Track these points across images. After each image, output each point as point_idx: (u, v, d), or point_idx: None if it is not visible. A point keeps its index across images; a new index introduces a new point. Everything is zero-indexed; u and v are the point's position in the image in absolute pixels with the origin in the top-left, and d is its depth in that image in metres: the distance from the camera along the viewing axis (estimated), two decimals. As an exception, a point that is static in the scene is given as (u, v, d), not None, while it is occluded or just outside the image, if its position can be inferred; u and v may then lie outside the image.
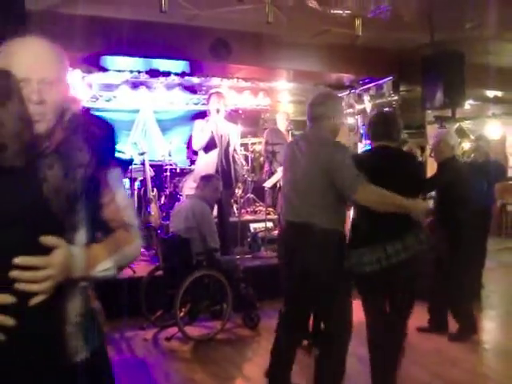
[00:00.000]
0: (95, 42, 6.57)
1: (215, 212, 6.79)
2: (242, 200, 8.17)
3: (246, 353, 4.96)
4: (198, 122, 7.10)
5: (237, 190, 7.96)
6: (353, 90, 9.25)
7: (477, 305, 6.39)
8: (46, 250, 1.43)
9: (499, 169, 7.71)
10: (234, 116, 9.24)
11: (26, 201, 1.45)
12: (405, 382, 3.94)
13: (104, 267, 1.62)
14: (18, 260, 1.38)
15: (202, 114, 8.18)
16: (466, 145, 12.70)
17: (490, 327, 5.96)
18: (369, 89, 8.94)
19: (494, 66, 8.37)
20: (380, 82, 8.71)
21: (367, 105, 8.97)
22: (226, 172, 6.86)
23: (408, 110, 8.49)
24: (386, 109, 8.29)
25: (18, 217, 1.43)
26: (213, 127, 6.82)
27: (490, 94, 10.27)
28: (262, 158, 9.62)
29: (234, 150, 7.23)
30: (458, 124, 11.89)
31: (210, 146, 6.85)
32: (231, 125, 7.33)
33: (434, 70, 7.11)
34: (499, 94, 10.24)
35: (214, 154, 6.85)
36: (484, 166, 7.51)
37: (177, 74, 8.19)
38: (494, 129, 12.49)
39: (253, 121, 10.41)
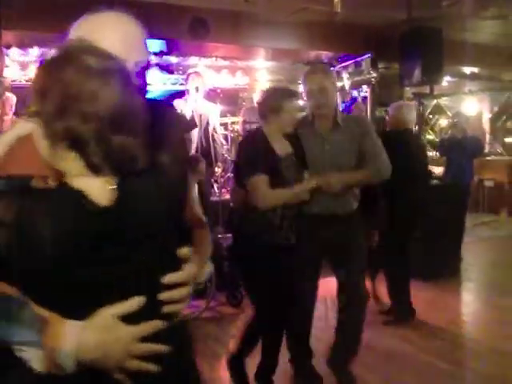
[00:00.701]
0: (72, 22, 6.47)
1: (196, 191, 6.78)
2: (222, 179, 8.16)
3: (231, 330, 4.99)
4: (177, 102, 7.04)
5: (217, 169, 7.95)
6: (331, 68, 9.25)
7: (457, 278, 6.53)
8: (174, 264, 1.33)
9: (477, 145, 7.82)
10: (212, 95, 9.18)
11: (159, 209, 1.33)
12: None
13: (207, 272, 1.56)
14: (167, 279, 1.28)
15: (179, 94, 8.12)
16: (444, 121, 12.82)
17: (468, 299, 6.08)
18: (347, 66, 8.95)
19: (471, 42, 8.44)
20: (358, 59, 8.72)
21: (346, 82, 8.99)
22: (206, 151, 6.85)
23: (386, 87, 8.54)
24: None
25: (154, 228, 1.31)
26: (192, 106, 6.79)
27: (467, 70, 10.36)
28: (240, 137, 9.61)
29: (214, 129, 7.22)
30: (435, 101, 11.99)
31: None
32: (211, 104, 7.30)
33: (412, 47, 7.13)
34: (476, 70, 10.33)
35: (194, 134, 6.83)
36: (462, 142, 7.61)
37: (154, 54, 8.12)
38: (470, 105, 12.61)
39: (231, 100, 10.35)
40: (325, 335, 4.00)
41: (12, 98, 7.08)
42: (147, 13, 6.69)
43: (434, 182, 7.17)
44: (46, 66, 1.26)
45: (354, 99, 9.56)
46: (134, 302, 1.23)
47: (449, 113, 12.64)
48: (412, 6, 6.85)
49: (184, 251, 1.34)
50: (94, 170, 1.21)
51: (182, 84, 9.03)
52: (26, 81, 8.26)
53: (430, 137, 12.20)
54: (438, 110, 12.79)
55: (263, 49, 8.38)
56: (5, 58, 7.04)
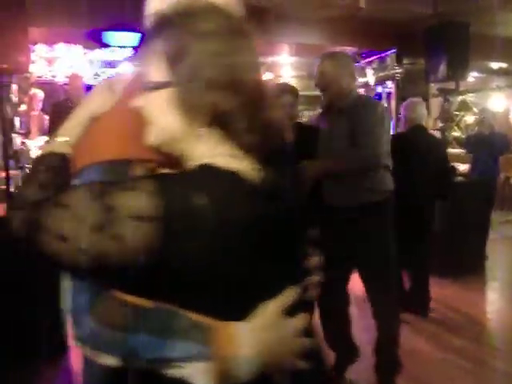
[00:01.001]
0: (97, 18, 6.54)
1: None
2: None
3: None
4: None
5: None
6: (356, 63, 9.19)
7: (481, 276, 6.46)
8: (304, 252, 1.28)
9: (504, 142, 7.70)
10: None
11: (297, 194, 1.24)
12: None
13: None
14: (310, 264, 1.25)
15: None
16: (470, 118, 12.67)
17: (492, 298, 6.00)
18: (372, 62, 8.90)
19: (500, 36, 8.30)
20: (383, 54, 8.66)
21: (370, 78, 8.93)
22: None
23: (411, 83, 8.47)
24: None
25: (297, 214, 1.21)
26: None
27: (495, 65, 10.21)
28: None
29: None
30: (461, 97, 11.86)
31: None
32: None
33: (438, 42, 7.05)
34: (504, 65, 10.17)
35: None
36: (488, 138, 7.50)
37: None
38: (497, 101, 12.43)
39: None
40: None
41: (39, 94, 7.17)
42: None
43: (459, 179, 7.09)
44: (179, 21, 1.09)
45: (378, 95, 9.49)
46: (291, 294, 1.10)
47: (475, 109, 12.49)
48: (438, 0, 6.77)
49: (313, 235, 1.31)
50: (246, 149, 1.07)
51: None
52: (52, 76, 8.37)
53: (456, 133, 12.06)
54: (464, 107, 12.65)
55: (287, 44, 8.37)
56: (31, 54, 7.14)
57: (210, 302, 1.04)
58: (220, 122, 1.06)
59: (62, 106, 6.44)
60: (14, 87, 7.00)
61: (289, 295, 1.09)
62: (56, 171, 1.16)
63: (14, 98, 7.02)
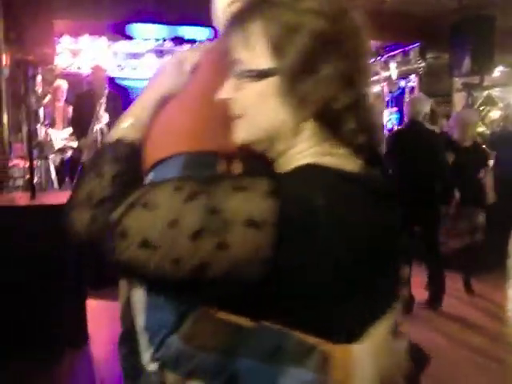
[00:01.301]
0: (120, 10, 6.59)
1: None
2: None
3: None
4: None
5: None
6: (379, 57, 9.14)
7: (502, 274, 6.40)
8: None
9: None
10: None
11: None
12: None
13: None
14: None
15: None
16: (496, 113, 12.51)
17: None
18: (395, 55, 8.84)
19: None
20: (406, 48, 8.60)
21: (393, 72, 8.87)
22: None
23: (435, 77, 8.39)
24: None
25: None
26: None
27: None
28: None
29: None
30: (486, 92, 11.71)
31: None
32: None
33: (462, 36, 6.98)
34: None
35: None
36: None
37: (202, 42, 8.17)
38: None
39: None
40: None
41: (63, 85, 7.25)
42: (196, 1, 6.77)
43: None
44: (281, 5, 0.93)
45: (401, 89, 9.43)
46: (396, 311, 0.99)
47: (501, 104, 12.32)
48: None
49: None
50: (355, 150, 0.94)
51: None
52: (77, 68, 8.45)
53: (481, 129, 11.91)
54: (490, 102, 12.47)
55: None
56: (56, 47, 7.21)
57: (322, 319, 0.87)
58: (329, 118, 0.92)
59: (85, 97, 6.51)
60: (39, 79, 7.07)
61: (395, 313, 0.97)
62: (126, 162, 1.00)
63: (39, 90, 7.09)
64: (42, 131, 6.74)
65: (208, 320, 0.90)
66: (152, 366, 0.95)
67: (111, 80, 7.98)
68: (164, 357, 0.93)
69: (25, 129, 5.41)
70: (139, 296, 0.98)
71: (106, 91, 6.27)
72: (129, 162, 1.01)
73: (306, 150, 0.93)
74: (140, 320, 0.98)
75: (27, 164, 5.12)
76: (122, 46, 8.42)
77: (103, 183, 0.97)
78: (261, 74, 0.92)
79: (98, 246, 0.89)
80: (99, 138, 6.04)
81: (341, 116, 0.92)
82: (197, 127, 0.97)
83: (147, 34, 7.82)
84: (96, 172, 0.99)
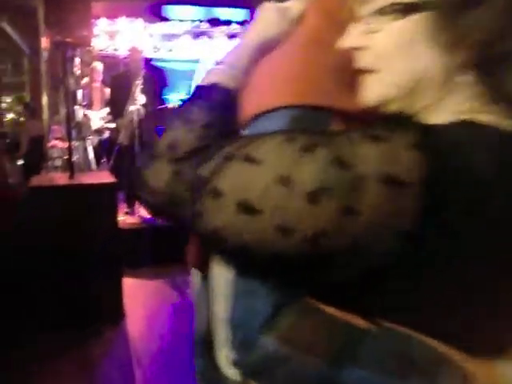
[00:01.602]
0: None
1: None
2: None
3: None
4: None
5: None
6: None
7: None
8: None
9: None
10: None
11: None
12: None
13: None
14: None
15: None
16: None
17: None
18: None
19: None
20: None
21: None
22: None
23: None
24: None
25: None
26: None
27: None
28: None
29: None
30: None
31: None
32: None
33: None
34: None
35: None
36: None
37: (238, 23, 8.17)
38: None
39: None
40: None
41: (98, 66, 7.34)
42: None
43: None
44: None
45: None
46: None
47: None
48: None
49: None
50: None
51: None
52: (114, 50, 8.53)
53: None
54: None
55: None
56: (93, 28, 7.29)
57: (464, 323, 0.67)
58: (489, 66, 0.71)
59: (121, 78, 6.57)
60: (77, 61, 7.17)
61: None
62: (220, 111, 0.82)
63: (77, 72, 7.19)
64: (80, 112, 6.84)
65: (313, 316, 0.70)
66: (233, 372, 0.76)
67: (147, 61, 8.02)
68: (250, 360, 0.73)
69: (63, 110, 5.50)
70: (224, 278, 0.77)
71: (142, 72, 6.32)
72: (223, 112, 0.82)
73: (457, 105, 0.72)
74: (221, 311, 0.78)
75: (66, 145, 5.21)
76: (158, 27, 8.45)
77: (192, 133, 0.78)
78: (409, 8, 0.71)
79: (179, 208, 0.74)
80: (135, 119, 6.10)
81: (504, 64, 0.70)
82: (309, 78, 0.79)
83: (183, 15, 7.85)
84: (183, 119, 0.81)
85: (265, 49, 0.86)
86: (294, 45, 0.83)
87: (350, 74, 0.78)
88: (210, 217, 0.67)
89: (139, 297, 4.89)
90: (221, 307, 0.78)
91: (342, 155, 0.63)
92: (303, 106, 0.76)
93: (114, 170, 6.24)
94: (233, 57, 0.90)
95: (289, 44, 0.84)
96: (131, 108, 6.16)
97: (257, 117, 0.78)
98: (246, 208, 0.64)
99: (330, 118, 0.76)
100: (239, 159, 0.67)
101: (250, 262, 0.72)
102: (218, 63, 0.90)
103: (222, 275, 0.78)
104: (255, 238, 0.65)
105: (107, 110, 7.09)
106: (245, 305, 0.73)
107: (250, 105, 0.82)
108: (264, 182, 0.64)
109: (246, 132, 0.79)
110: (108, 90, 7.09)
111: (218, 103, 0.82)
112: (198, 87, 0.87)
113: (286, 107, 0.76)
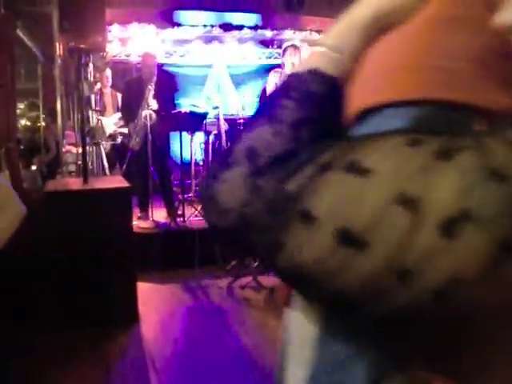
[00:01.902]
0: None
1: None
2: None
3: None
4: (273, 74, 7.01)
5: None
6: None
7: None
8: None
9: None
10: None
11: None
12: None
13: None
14: None
15: (274, 68, 8.16)
16: None
17: None
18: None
19: None
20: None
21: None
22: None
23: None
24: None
25: None
26: None
27: None
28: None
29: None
30: None
31: None
32: None
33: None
34: None
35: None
36: None
37: (250, 28, 8.20)
38: None
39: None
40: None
41: (107, 72, 7.41)
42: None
43: None
44: None
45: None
46: None
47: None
48: None
49: None
50: None
51: (276, 58, 9.07)
52: (126, 56, 8.60)
53: None
54: None
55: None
56: (107, 34, 7.35)
57: None
58: None
59: (134, 83, 6.61)
60: (91, 66, 7.23)
61: None
62: (318, 104, 0.62)
63: (91, 77, 7.25)
64: (93, 118, 6.89)
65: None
66: None
67: (159, 67, 8.05)
68: None
69: (77, 116, 5.54)
70: (305, 335, 0.59)
71: (155, 78, 6.35)
72: (322, 106, 0.62)
73: None
74: (297, 377, 0.59)
75: (80, 150, 5.25)
76: (170, 32, 8.49)
77: (279, 135, 0.58)
78: None
79: (255, 234, 0.55)
80: (148, 124, 6.13)
81: None
82: (442, 66, 0.58)
83: (195, 20, 7.88)
84: (268, 116, 0.61)
85: (381, 27, 0.65)
86: (421, 22, 0.62)
87: (502, 61, 0.58)
88: (297, 248, 0.50)
89: (153, 301, 4.91)
90: (297, 372, 0.58)
91: (499, 164, 0.44)
92: (433, 102, 0.56)
93: (126, 175, 6.28)
94: (337, 36, 0.69)
95: (415, 21, 0.62)
96: (144, 113, 6.19)
97: (367, 113, 0.60)
98: (349, 239, 0.47)
99: (472, 119, 0.56)
100: (341, 170, 0.49)
101: (346, 315, 0.53)
102: (317, 44, 0.69)
103: (302, 328, 0.59)
104: (359, 282, 0.47)
105: (118, 115, 7.13)
106: (329, 378, 0.55)
107: (358, 98, 0.63)
108: (377, 203, 0.46)
109: (351, 133, 0.62)
110: (119, 95, 7.14)
111: (315, 95, 0.62)
112: (291, 75, 0.67)
113: (408, 102, 0.56)
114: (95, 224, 4.02)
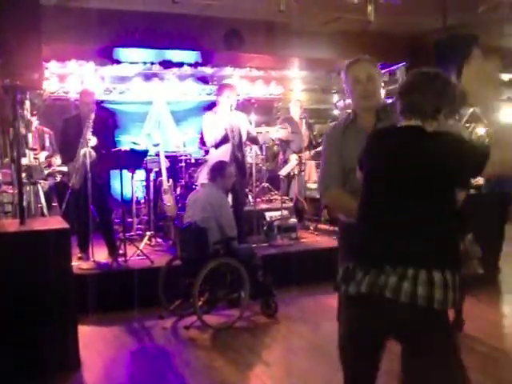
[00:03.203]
0: (108, 35, 6.61)
1: (230, 201, 6.83)
2: (257, 189, 8.18)
3: (265, 340, 4.98)
4: (208, 116, 6.93)
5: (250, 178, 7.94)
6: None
7: (495, 289, 6.40)
8: None
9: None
10: (247, 105, 9.26)
11: None
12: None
13: None
14: None
15: (215, 105, 8.17)
16: (481, 130, 12.61)
17: (508, 311, 5.94)
18: (382, 75, 8.90)
19: (510, 48, 8.30)
20: (393, 68, 8.68)
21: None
22: (239, 162, 6.82)
23: (422, 96, 8.45)
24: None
25: None
26: (226, 124, 6.66)
27: (505, 77, 10.18)
28: (276, 147, 9.63)
29: (247, 139, 7.10)
30: (471, 109, 11.81)
31: (222, 141, 6.71)
32: (241, 114, 7.15)
33: (447, 55, 7.05)
34: (514, 77, 10.15)
35: (228, 146, 6.74)
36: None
37: (189, 65, 8.22)
38: (509, 113, 12.35)
39: (266, 110, 10.41)
40: None
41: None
42: (183, 24, 6.82)
43: (472, 191, 7.06)
44: None
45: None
46: None
47: (485, 121, 12.40)
48: (447, 14, 6.78)
49: None
50: None
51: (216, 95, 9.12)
52: (64, 93, 8.47)
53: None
54: (475, 119, 12.60)
55: (297, 58, 8.40)
56: (44, 71, 7.21)
57: None
58: None
59: (73, 121, 6.50)
60: (27, 104, 7.06)
61: None
62: None
63: (27, 115, 7.08)
64: (30, 156, 6.70)
65: None
66: None
67: (99, 104, 7.97)
68: None
69: (13, 154, 5.39)
70: None
71: (93, 115, 6.25)
72: None
73: None
74: None
75: (16, 190, 5.09)
76: (110, 69, 8.43)
77: None
78: None
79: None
80: (87, 162, 6.00)
81: None
82: None
83: (134, 57, 7.83)
84: None
85: None
86: None
87: None
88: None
89: (95, 345, 4.74)
90: None
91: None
92: None
93: (66, 215, 6.11)
94: None
95: None
96: (82, 151, 6.07)
97: None
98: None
99: None
100: None
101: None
102: None
103: None
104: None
105: (46, 153, 7.04)
106: None
107: None
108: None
109: None
110: (47, 135, 7.06)
111: None
112: None
113: None
114: (33, 267, 3.88)
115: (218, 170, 5.78)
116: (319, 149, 8.66)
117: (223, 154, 6.69)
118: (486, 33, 7.09)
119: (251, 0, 6.00)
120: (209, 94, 9.90)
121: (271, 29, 7.25)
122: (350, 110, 3.40)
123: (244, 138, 6.97)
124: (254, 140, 7.27)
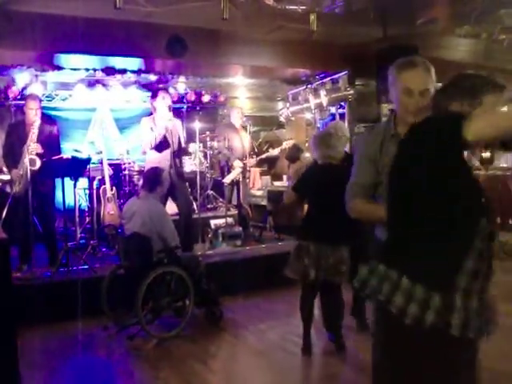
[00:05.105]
0: (49, 40, 6.50)
1: (175, 210, 6.81)
2: (201, 197, 8.17)
3: (210, 348, 4.97)
4: (145, 120, 6.86)
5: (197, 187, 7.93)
6: (309, 85, 9.33)
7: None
8: None
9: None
10: (191, 113, 9.25)
11: None
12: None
13: None
14: None
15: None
16: None
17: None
18: (325, 83, 9.04)
19: (447, 59, 8.56)
20: (335, 76, 8.82)
21: (323, 99, 9.06)
22: (178, 168, 6.79)
23: (363, 104, 8.63)
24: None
25: None
26: (162, 128, 6.61)
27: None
28: (220, 155, 9.63)
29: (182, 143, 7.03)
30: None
31: (163, 146, 6.70)
32: (177, 120, 7.12)
33: (389, 64, 7.20)
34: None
35: (168, 152, 6.69)
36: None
37: (133, 72, 8.15)
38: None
39: (211, 117, 10.41)
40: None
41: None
42: (126, 31, 6.76)
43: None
44: None
45: (332, 116, 9.64)
46: None
47: None
48: (387, 24, 6.95)
49: None
50: None
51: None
52: (4, 99, 8.27)
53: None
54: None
55: (241, 66, 8.44)
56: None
57: None
58: None
59: (18, 127, 6.37)
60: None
61: None
62: None
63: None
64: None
65: None
66: None
67: (41, 110, 7.82)
68: None
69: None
70: None
71: (39, 121, 6.14)
72: None
73: None
74: None
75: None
76: (51, 76, 8.26)
77: None
78: None
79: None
80: (30, 169, 5.87)
81: None
82: None
83: (77, 63, 7.71)
84: None
85: None
86: None
87: None
88: None
89: (36, 358, 4.63)
90: None
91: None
92: None
93: (6, 224, 5.96)
94: None
95: None
96: (26, 158, 5.93)
97: None
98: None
99: None
100: None
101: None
102: None
103: None
104: None
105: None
106: None
107: None
108: None
109: None
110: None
111: None
112: None
113: None
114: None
115: (155, 177, 5.65)
116: (264, 156, 8.75)
117: (163, 158, 6.64)
118: (424, 44, 7.30)
119: (195, 8, 5.99)
120: (153, 101, 9.82)
121: (215, 37, 7.27)
122: (389, 112, 3.12)
123: (183, 143, 6.95)
124: (183, 150, 7.24)
